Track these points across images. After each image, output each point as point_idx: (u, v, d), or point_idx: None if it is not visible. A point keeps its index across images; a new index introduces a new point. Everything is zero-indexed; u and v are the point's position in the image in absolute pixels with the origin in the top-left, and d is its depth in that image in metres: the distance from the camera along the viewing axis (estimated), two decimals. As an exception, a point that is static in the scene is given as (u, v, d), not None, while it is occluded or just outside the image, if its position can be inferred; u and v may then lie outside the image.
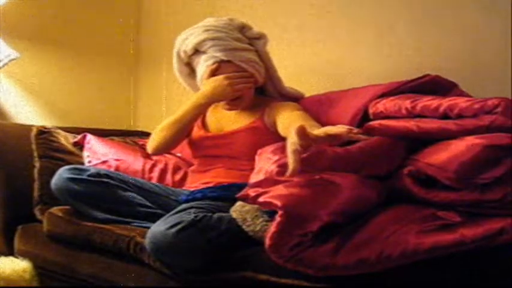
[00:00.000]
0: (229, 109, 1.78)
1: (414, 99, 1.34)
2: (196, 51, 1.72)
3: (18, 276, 1.68)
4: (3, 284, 1.64)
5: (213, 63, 1.69)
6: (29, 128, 2.05)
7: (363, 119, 1.48)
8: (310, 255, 1.07)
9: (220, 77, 1.69)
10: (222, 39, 1.68)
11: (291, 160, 1.13)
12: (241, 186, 1.27)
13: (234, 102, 1.75)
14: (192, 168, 1.84)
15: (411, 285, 1.06)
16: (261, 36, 1.76)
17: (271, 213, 1.20)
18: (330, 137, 1.16)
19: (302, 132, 1.12)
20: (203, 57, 1.71)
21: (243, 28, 1.74)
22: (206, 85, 1.71)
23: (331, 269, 1.05)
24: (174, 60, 1.81)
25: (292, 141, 1.14)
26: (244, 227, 1.26)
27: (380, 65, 1.94)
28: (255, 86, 1.78)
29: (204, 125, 1.83)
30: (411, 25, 1.86)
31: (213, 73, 1.70)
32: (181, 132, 1.75)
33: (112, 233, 1.51)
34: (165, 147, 1.78)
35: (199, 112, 1.74)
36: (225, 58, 1.68)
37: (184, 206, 1.39)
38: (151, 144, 1.77)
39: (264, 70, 1.77)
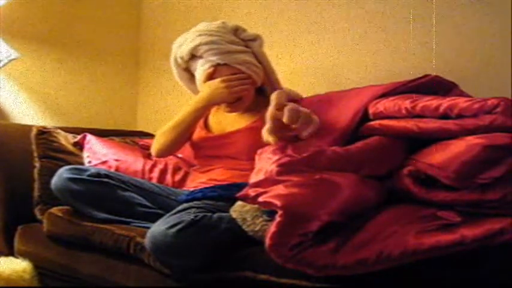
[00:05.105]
0: (230, 111, 1.78)
1: (414, 99, 1.34)
2: (193, 56, 1.72)
3: (18, 276, 1.68)
4: (3, 284, 1.64)
5: (210, 67, 1.70)
6: (29, 128, 2.05)
7: (363, 119, 1.47)
8: (310, 255, 1.06)
9: (217, 80, 1.69)
10: (216, 43, 1.68)
11: (267, 125, 1.31)
12: (241, 186, 1.27)
13: (234, 104, 1.75)
14: (193, 168, 1.85)
15: (411, 285, 1.06)
16: (256, 38, 1.75)
17: (271, 213, 1.19)
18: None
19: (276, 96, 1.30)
20: (200, 61, 1.71)
21: (236, 30, 1.74)
22: (203, 89, 1.72)
23: (331, 269, 1.05)
24: (173, 66, 1.81)
25: (270, 108, 1.31)
26: (244, 227, 1.26)
27: (379, 65, 1.94)
28: (254, 87, 1.78)
29: (206, 126, 1.83)
30: (410, 25, 1.86)
31: (210, 77, 1.71)
32: (182, 135, 1.75)
33: (112, 233, 1.51)
34: (168, 151, 1.79)
35: (198, 116, 1.74)
36: (220, 61, 1.68)
37: (184, 206, 1.39)
38: (154, 148, 1.79)
39: (262, 71, 1.77)
